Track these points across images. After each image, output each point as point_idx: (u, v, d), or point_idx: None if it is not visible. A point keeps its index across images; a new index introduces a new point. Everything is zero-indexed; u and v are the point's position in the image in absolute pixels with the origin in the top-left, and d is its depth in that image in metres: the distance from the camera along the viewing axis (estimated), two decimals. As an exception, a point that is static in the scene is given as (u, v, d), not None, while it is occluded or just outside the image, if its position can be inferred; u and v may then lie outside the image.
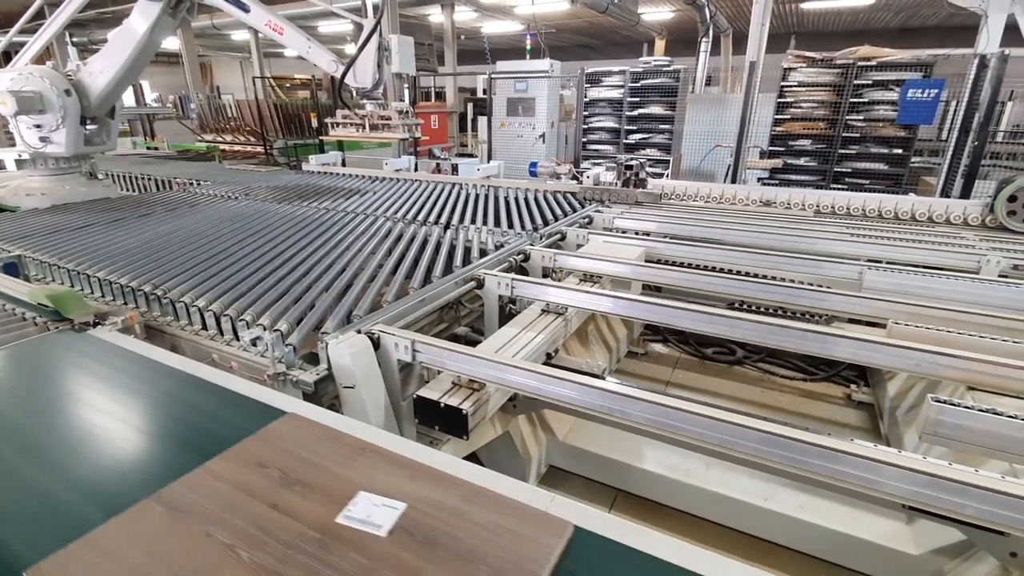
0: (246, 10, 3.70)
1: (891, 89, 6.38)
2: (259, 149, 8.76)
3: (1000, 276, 2.57)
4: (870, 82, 6.51)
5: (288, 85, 16.16)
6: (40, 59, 4.22)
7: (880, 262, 2.64)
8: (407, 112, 4.15)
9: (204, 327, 2.15)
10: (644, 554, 0.94)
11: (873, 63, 6.40)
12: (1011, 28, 5.62)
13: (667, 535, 1.00)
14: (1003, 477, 1.22)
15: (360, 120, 4.12)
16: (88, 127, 4.32)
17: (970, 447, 1.41)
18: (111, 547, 0.92)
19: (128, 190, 5.79)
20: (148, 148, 9.10)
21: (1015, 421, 1.33)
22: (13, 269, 2.72)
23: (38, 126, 4.02)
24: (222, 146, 8.98)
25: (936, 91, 6.01)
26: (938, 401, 1.38)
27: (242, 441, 1.20)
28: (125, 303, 2.39)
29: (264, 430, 1.24)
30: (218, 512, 0.99)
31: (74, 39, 14.59)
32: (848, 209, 3.64)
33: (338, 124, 4.26)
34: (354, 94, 4.05)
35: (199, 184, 5.26)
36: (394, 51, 4.07)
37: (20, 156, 4.98)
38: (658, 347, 3.64)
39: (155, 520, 0.98)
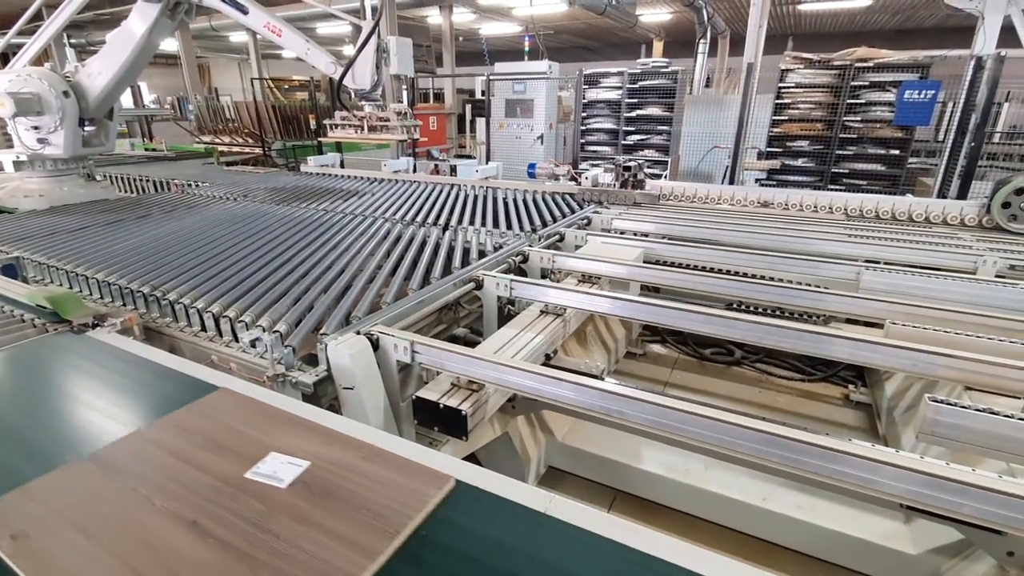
0: (244, 12, 3.70)
1: (888, 90, 6.40)
2: (257, 150, 8.75)
3: (997, 276, 2.58)
4: (867, 83, 6.53)
5: (287, 86, 16.16)
6: (38, 61, 4.22)
7: (877, 263, 2.65)
8: (405, 113, 4.15)
9: (203, 328, 2.15)
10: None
11: (870, 64, 6.43)
12: (1008, 29, 5.64)
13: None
14: (1000, 476, 1.22)
15: (358, 122, 4.11)
16: (86, 128, 4.32)
17: (967, 447, 1.42)
18: (42, 496, 1.08)
19: (126, 191, 5.79)
20: (146, 150, 9.09)
21: (1011, 420, 1.34)
22: (11, 271, 2.72)
23: (36, 128, 4.01)
24: (220, 148, 8.98)
25: (932, 92, 6.04)
26: (935, 401, 1.39)
27: (175, 411, 1.36)
28: (124, 304, 2.39)
29: (196, 402, 1.40)
30: (142, 469, 1.15)
31: (72, 41, 14.59)
32: (845, 210, 3.66)
33: (336, 125, 4.26)
34: (352, 96, 4.04)
35: (197, 185, 5.25)
36: (392, 53, 4.05)
37: (18, 158, 4.96)
38: (657, 348, 3.65)
39: (86, 475, 1.14)
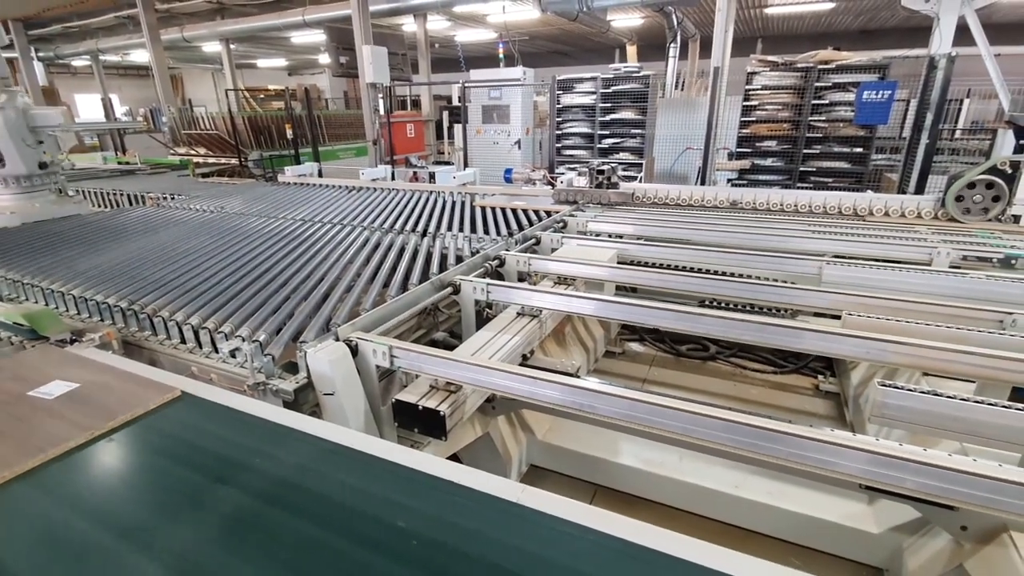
0: None
1: (850, 91, 6.63)
2: (234, 161, 8.69)
3: (951, 267, 2.71)
4: (830, 84, 6.75)
5: (262, 96, 16.04)
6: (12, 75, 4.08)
7: (840, 257, 2.76)
8: None
9: (183, 340, 2.16)
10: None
11: (832, 66, 6.64)
12: (964, 28, 5.88)
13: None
14: (950, 455, 1.30)
15: None
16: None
17: (916, 427, 1.51)
18: None
19: (100, 206, 5.71)
20: (119, 163, 8.95)
21: (954, 401, 1.43)
22: (-16, 289, 2.69)
23: None
24: (196, 159, 8.89)
25: (889, 92, 6.26)
26: (884, 385, 1.48)
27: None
28: (102, 319, 2.39)
29: (18, 355, 1.86)
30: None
31: (40, 54, 14.32)
32: (810, 207, 3.79)
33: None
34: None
35: (173, 198, 5.22)
36: (367, 61, 4.06)
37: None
38: (635, 346, 3.73)
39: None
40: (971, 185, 3.29)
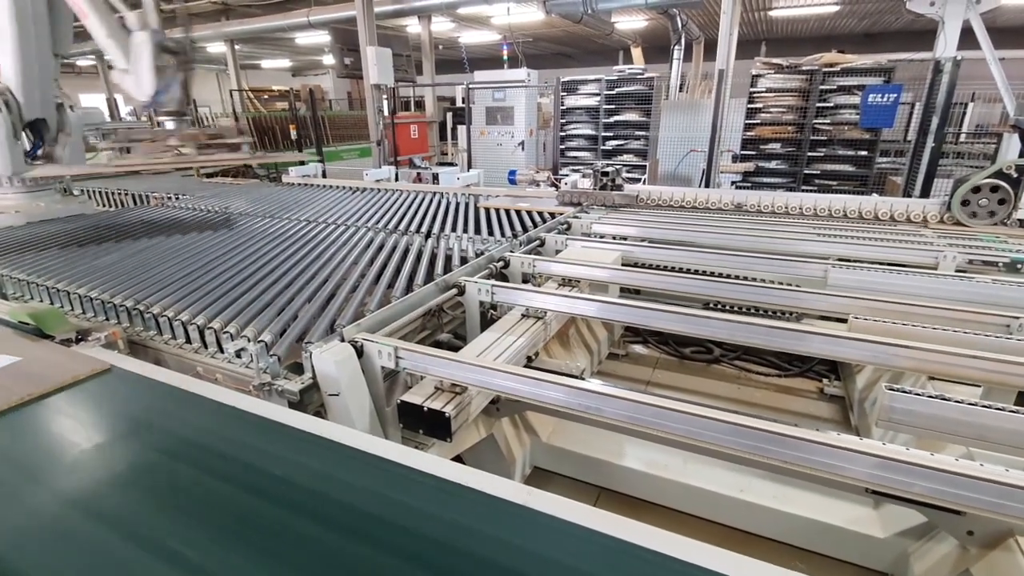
0: None
1: (855, 94, 6.62)
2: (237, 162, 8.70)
3: (957, 271, 2.70)
4: (835, 87, 6.74)
5: (266, 96, 16.08)
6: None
7: (846, 260, 2.76)
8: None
9: (188, 340, 2.16)
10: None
11: (836, 69, 6.63)
12: (969, 31, 5.86)
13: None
14: (957, 459, 1.30)
15: (189, 140, 3.46)
16: (51, 146, 4.08)
17: (923, 432, 1.50)
18: None
19: (105, 206, 5.73)
20: (123, 163, 8.98)
21: (961, 406, 1.42)
22: (-10, 288, 2.71)
23: None
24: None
25: (895, 95, 6.25)
26: (891, 389, 1.47)
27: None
28: (107, 319, 2.39)
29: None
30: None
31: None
32: (815, 210, 3.78)
33: (126, 148, 3.59)
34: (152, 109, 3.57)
35: (177, 198, 5.23)
36: (372, 63, 4.05)
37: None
38: (638, 348, 3.73)
39: None
40: (977, 189, 3.28)
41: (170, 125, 3.57)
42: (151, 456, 1.31)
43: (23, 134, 3.91)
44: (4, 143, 3.78)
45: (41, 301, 2.65)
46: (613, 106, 8.74)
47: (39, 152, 4.06)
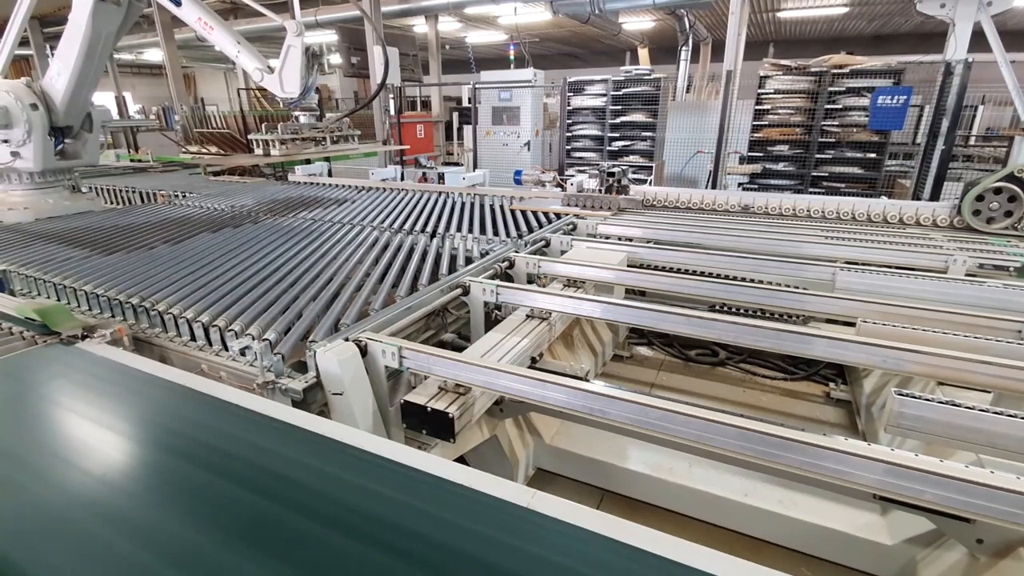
0: (178, 4, 3.65)
1: (864, 96, 6.57)
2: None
3: (967, 275, 2.67)
4: (843, 89, 6.69)
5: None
6: (21, 72, 4.18)
7: (854, 263, 2.73)
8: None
9: (193, 338, 2.17)
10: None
11: (845, 71, 6.59)
12: (979, 34, 5.81)
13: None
14: (967, 466, 1.28)
15: (319, 133, 3.89)
16: (66, 140, 4.25)
17: (932, 438, 1.48)
18: None
19: (112, 203, 5.76)
20: (132, 160, 9.03)
21: (972, 412, 1.40)
22: (-2, 284, 2.72)
23: (6, 141, 3.95)
24: (207, 158, 8.94)
25: (904, 98, 6.20)
26: (901, 394, 1.45)
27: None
28: (113, 316, 2.40)
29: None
30: None
31: (55, 51, 14.46)
32: (823, 213, 3.75)
33: (281, 142, 3.92)
34: (282, 104, 3.84)
35: (184, 196, 5.25)
36: (378, 62, 4.09)
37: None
38: (643, 350, 3.71)
39: None
40: (987, 192, 3.24)
41: (303, 119, 3.90)
42: (153, 453, 1.30)
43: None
44: (40, 142, 3.99)
45: (48, 297, 2.66)
46: (620, 107, 8.71)
47: (59, 148, 4.25)
